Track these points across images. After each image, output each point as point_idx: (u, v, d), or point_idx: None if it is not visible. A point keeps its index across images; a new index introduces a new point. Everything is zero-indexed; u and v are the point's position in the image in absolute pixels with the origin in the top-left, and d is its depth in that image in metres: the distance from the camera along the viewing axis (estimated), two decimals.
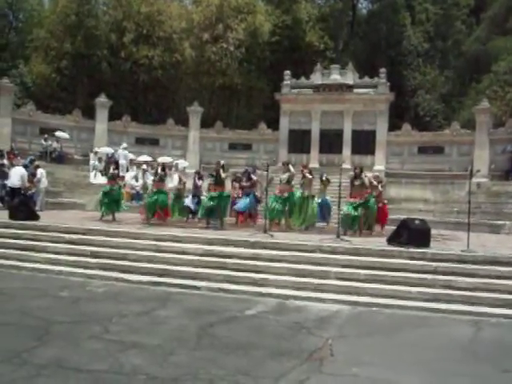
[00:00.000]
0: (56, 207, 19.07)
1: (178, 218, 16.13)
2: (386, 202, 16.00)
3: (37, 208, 16.04)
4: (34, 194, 17.60)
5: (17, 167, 17.42)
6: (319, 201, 15.61)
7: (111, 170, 16.11)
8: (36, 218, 13.07)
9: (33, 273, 10.06)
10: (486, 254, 9.85)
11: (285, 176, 13.98)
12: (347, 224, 13.10)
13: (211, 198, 13.59)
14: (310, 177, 14.76)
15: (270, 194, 13.71)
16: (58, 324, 6.65)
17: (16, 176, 16.59)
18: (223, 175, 13.93)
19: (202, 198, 15.11)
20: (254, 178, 15.70)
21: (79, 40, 33.92)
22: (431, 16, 38.28)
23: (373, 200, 13.92)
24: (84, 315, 7.16)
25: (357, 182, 13.43)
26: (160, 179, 14.84)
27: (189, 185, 17.42)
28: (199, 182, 16.20)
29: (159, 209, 14.74)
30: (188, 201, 15.93)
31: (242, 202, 15.28)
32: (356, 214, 13.20)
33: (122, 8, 36.19)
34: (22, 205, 13.23)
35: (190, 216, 16.14)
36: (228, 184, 15.68)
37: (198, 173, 17.03)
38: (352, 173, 13.94)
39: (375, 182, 14.77)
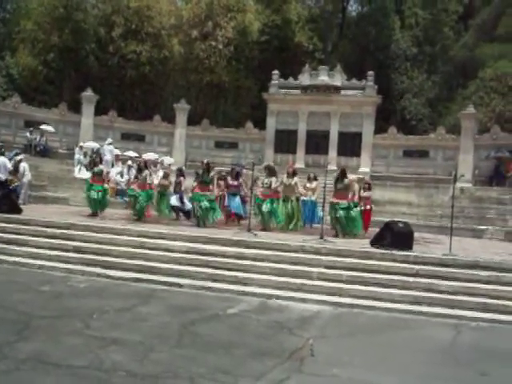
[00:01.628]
0: (39, 201, 18.89)
1: (166, 215, 15.97)
2: (368, 207, 15.82)
3: (20, 201, 15.86)
4: (18, 187, 17.40)
5: (1, 158, 17.16)
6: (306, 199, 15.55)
7: (100, 166, 15.82)
8: (19, 211, 12.94)
9: (14, 267, 9.97)
10: (467, 258, 9.96)
11: (267, 181, 13.94)
12: (336, 225, 13.21)
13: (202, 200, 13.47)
14: (296, 180, 14.62)
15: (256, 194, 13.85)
16: (39, 318, 6.60)
17: (2, 168, 16.41)
18: (210, 175, 13.86)
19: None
20: (241, 178, 15.71)
21: (67, 33, 33.58)
22: (420, 21, 38.45)
23: (355, 208, 13.78)
24: (65, 310, 7.12)
25: (340, 185, 13.37)
26: (144, 179, 14.69)
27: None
28: (179, 180, 15.97)
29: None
30: (173, 200, 15.80)
31: (235, 203, 15.20)
32: (340, 215, 13.19)
33: (111, 2, 35.95)
34: (5, 198, 13.10)
35: (181, 215, 16.01)
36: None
37: (179, 170, 16.91)
38: (335, 174, 13.94)
39: (356, 186, 14.69)
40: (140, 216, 14.26)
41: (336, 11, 42.27)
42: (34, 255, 10.46)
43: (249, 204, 14.64)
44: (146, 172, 14.77)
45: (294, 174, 14.63)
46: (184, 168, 18.61)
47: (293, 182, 14.39)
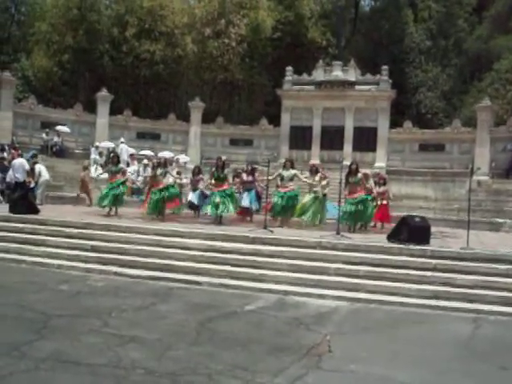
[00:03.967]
0: (56, 201, 19.05)
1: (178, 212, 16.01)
2: (384, 201, 15.74)
3: (37, 202, 16.02)
4: (35, 187, 17.59)
5: (19, 159, 17.33)
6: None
7: (120, 165, 15.98)
8: (36, 211, 13.06)
9: (32, 266, 10.06)
10: (485, 252, 9.86)
11: (287, 174, 14.05)
12: (348, 220, 13.21)
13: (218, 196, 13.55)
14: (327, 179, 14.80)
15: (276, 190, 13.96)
16: (58, 317, 6.66)
17: (20, 169, 16.60)
18: (225, 171, 14.00)
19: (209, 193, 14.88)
20: (256, 174, 15.72)
21: (81, 34, 33.86)
22: (434, 14, 38.16)
23: (367, 200, 13.80)
24: (83, 309, 7.17)
25: (352, 179, 13.34)
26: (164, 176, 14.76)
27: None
28: (198, 177, 16.05)
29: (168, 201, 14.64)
30: (191, 196, 15.89)
31: (248, 198, 15.19)
32: (354, 209, 13.19)
33: (125, 2, 36.16)
34: (22, 198, 13.24)
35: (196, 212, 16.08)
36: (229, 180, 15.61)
37: (198, 168, 16.96)
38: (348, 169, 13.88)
39: (371, 182, 14.72)
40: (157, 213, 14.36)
41: (349, 6, 42.09)
42: (52, 255, 10.54)
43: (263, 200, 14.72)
44: (164, 169, 14.80)
45: (316, 171, 14.87)
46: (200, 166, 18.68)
47: (317, 179, 14.52)
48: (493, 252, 9.93)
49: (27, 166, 17.15)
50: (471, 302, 8.39)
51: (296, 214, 14.46)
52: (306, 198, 14.40)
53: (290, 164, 14.45)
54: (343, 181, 12.83)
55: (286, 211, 14.14)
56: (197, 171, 16.27)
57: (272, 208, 14.09)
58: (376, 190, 15.01)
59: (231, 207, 13.81)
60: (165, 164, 15.17)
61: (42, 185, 17.90)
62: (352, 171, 13.40)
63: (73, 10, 33.81)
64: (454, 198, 22.29)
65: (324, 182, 14.64)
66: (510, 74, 31.68)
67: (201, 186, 15.79)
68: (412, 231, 10.38)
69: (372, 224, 14.92)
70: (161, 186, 14.39)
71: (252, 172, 15.64)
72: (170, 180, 15.20)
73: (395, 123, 30.27)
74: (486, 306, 8.28)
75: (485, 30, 38.08)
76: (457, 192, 22.93)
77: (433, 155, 28.26)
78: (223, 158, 14.85)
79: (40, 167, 18.19)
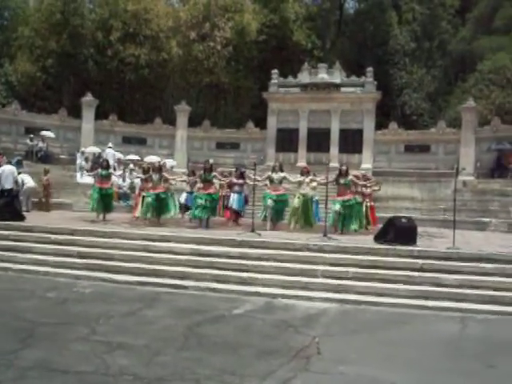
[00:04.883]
0: (42, 207, 18.88)
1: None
2: (371, 203, 15.88)
3: (23, 209, 15.85)
4: (17, 195, 17.39)
5: (8, 166, 17.02)
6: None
7: (110, 170, 15.95)
8: (22, 218, 12.96)
9: (19, 274, 9.98)
10: (471, 251, 9.95)
11: (277, 176, 14.13)
12: (336, 221, 13.25)
13: (203, 199, 13.60)
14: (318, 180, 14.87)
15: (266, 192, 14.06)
16: (45, 325, 6.61)
17: (10, 177, 16.36)
18: (212, 174, 14.07)
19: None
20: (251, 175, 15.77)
21: (65, 38, 33.60)
22: (417, 16, 38.43)
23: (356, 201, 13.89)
24: (71, 316, 7.13)
25: (342, 181, 13.43)
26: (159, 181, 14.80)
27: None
28: (194, 180, 16.03)
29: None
30: (185, 197, 15.95)
31: (237, 201, 15.20)
32: (344, 211, 13.26)
33: (109, 6, 35.92)
34: (7, 205, 13.13)
35: (187, 213, 16.05)
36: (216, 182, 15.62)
37: (192, 171, 17.07)
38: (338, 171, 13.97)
39: (361, 182, 14.87)
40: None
41: (333, 8, 42.23)
42: (39, 262, 10.46)
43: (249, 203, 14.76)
44: (160, 175, 14.84)
45: (307, 173, 15.02)
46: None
47: (307, 180, 14.61)
48: (479, 251, 10.00)
49: (16, 173, 16.95)
50: (459, 301, 8.45)
51: (287, 218, 14.58)
52: (296, 202, 14.41)
53: (279, 167, 14.53)
54: (330, 181, 12.90)
55: (278, 215, 14.29)
56: (191, 174, 16.37)
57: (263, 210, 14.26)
58: (364, 191, 15.17)
59: (215, 212, 13.99)
60: (160, 169, 15.16)
61: (25, 193, 17.66)
62: (342, 173, 13.48)
63: (56, 14, 33.55)
64: (440, 199, 22.39)
65: (314, 184, 14.71)
66: (494, 75, 31.96)
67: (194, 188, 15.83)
68: (399, 232, 10.45)
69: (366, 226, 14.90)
70: (158, 191, 14.47)
71: (242, 175, 15.66)
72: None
73: (381, 125, 30.40)
74: (474, 305, 8.34)
75: (468, 32, 38.46)
76: (443, 192, 23.05)
77: (418, 156, 28.41)
78: (211, 161, 14.93)
79: (23, 176, 17.94)
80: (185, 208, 16.20)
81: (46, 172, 19.86)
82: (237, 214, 15.54)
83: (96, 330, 6.49)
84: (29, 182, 18.01)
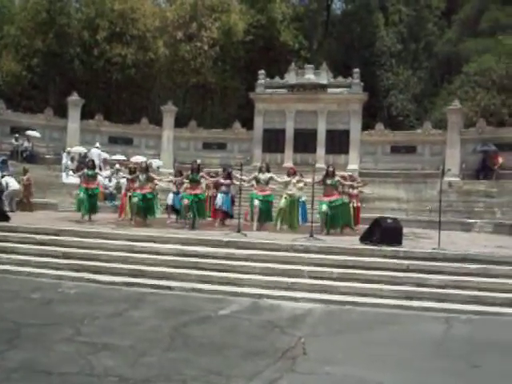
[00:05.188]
0: (27, 207, 18.74)
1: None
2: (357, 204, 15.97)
3: (7, 209, 15.74)
4: (1, 196, 17.29)
5: None
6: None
7: (96, 170, 15.85)
8: (6, 219, 12.85)
9: (3, 275, 9.89)
10: (456, 252, 10.02)
11: (264, 177, 14.16)
12: (324, 222, 13.30)
13: (189, 199, 13.60)
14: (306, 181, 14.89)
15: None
16: (29, 326, 6.56)
17: None
18: (200, 174, 14.09)
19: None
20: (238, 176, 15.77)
21: (51, 37, 33.34)
22: (404, 17, 38.66)
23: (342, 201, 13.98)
24: (56, 317, 7.08)
25: (329, 181, 13.48)
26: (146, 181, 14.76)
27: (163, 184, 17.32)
28: (181, 180, 15.98)
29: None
30: (172, 199, 15.87)
31: (224, 201, 15.18)
32: (329, 212, 13.31)
33: (95, 5, 35.68)
34: None
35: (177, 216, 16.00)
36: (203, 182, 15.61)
37: (179, 171, 16.99)
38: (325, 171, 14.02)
39: (348, 182, 14.97)
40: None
41: (321, 9, 42.34)
42: (23, 262, 10.37)
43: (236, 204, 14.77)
44: (147, 175, 14.80)
45: (294, 173, 15.08)
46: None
47: (294, 180, 14.68)
48: (464, 252, 10.08)
49: None
50: (443, 301, 8.52)
51: (274, 219, 14.61)
52: (282, 203, 14.43)
53: (265, 167, 14.55)
54: (316, 182, 12.95)
55: (265, 215, 14.32)
56: (178, 174, 16.30)
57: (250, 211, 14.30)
58: (350, 191, 15.27)
59: (202, 212, 13.98)
60: (146, 169, 15.11)
61: (9, 195, 17.57)
62: (329, 173, 13.53)
63: (42, 13, 33.27)
64: (425, 199, 22.53)
65: (301, 184, 14.74)
66: (479, 77, 32.19)
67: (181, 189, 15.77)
68: (384, 232, 10.50)
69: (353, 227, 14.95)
70: (144, 191, 14.42)
71: (229, 175, 15.65)
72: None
73: (367, 126, 30.50)
74: (458, 305, 8.41)
75: (454, 34, 38.69)
76: (428, 193, 23.20)
77: (405, 157, 28.53)
78: (198, 161, 14.95)
79: (7, 179, 17.85)
80: (171, 208, 16.17)
81: (26, 171, 19.58)
82: (224, 215, 15.52)
83: (81, 330, 6.45)
84: (13, 185, 17.91)
